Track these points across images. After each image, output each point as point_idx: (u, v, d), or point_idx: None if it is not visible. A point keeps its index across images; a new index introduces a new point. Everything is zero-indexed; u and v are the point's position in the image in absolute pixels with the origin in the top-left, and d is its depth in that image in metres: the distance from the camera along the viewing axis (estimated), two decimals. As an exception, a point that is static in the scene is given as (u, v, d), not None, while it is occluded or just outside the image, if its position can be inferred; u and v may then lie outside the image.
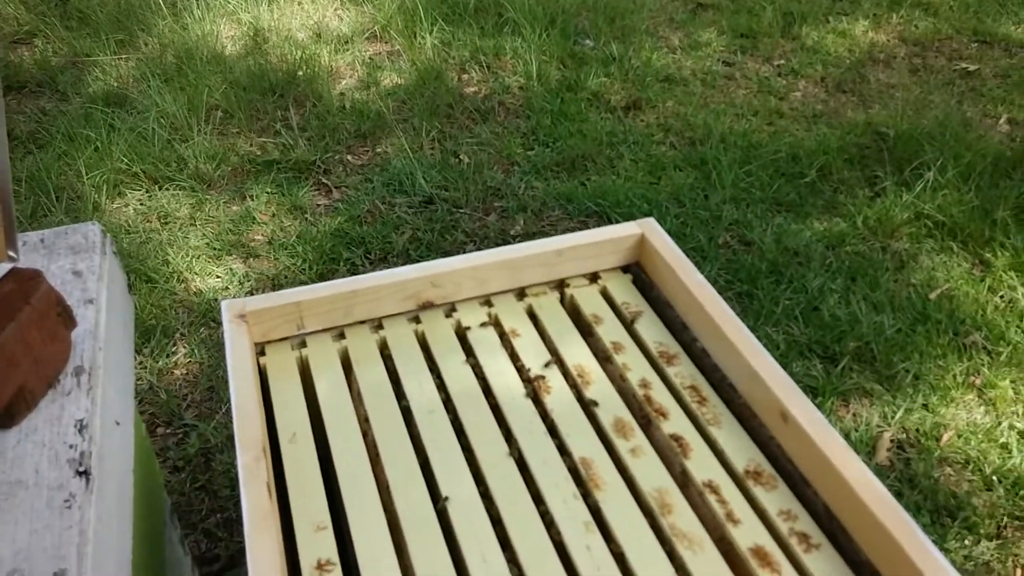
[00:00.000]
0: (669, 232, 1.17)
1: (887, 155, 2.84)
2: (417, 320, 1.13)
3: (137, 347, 2.14)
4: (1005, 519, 1.79)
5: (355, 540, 0.86)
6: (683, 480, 0.93)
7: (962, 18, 3.73)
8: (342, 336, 1.10)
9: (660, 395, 1.02)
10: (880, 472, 1.87)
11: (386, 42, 3.60)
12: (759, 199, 2.66)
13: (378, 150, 2.93)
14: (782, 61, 3.46)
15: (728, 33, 3.63)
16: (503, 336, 1.11)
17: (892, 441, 1.94)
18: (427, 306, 1.13)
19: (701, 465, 0.94)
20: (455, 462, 0.94)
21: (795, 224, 2.56)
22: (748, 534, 0.87)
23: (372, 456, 0.95)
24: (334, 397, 1.02)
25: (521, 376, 1.05)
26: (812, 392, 2.00)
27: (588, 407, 1.01)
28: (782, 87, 3.29)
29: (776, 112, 3.13)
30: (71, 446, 0.75)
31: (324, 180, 2.79)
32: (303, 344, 1.09)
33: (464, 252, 1.15)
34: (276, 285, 2.35)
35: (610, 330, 1.11)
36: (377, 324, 1.12)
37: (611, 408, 1.01)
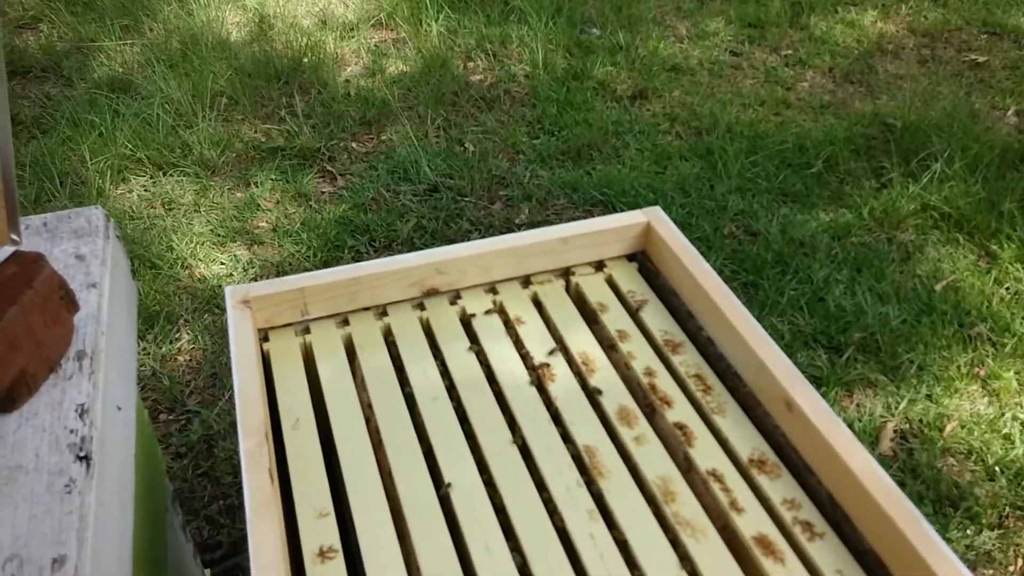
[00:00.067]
0: (674, 222, 1.17)
1: (894, 146, 2.83)
2: (422, 307, 1.12)
3: (141, 333, 2.14)
4: (1007, 509, 1.79)
5: (357, 527, 0.85)
6: (687, 468, 0.93)
7: (972, 9, 3.71)
8: (346, 323, 1.10)
9: (665, 383, 1.02)
10: (883, 462, 1.86)
11: (392, 29, 3.59)
12: (765, 189, 2.65)
13: (383, 138, 2.92)
14: (790, 51, 3.44)
15: (736, 23, 3.61)
16: (508, 324, 1.10)
17: (895, 431, 1.94)
18: (432, 293, 1.12)
19: (705, 453, 0.93)
20: (458, 449, 0.94)
21: (801, 215, 2.55)
22: (752, 522, 0.86)
23: (375, 443, 0.95)
24: (337, 383, 1.02)
25: (525, 364, 1.05)
26: (816, 382, 2.00)
27: (592, 395, 1.01)
28: (789, 77, 3.27)
29: (783, 102, 3.11)
30: (72, 431, 0.75)
31: (329, 167, 2.78)
32: (307, 330, 1.08)
33: (469, 241, 1.14)
34: (280, 272, 2.35)
35: (615, 318, 1.11)
36: (381, 311, 1.11)
37: (615, 396, 1.01)
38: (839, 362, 2.07)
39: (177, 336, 2.16)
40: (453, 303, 1.13)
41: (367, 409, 0.99)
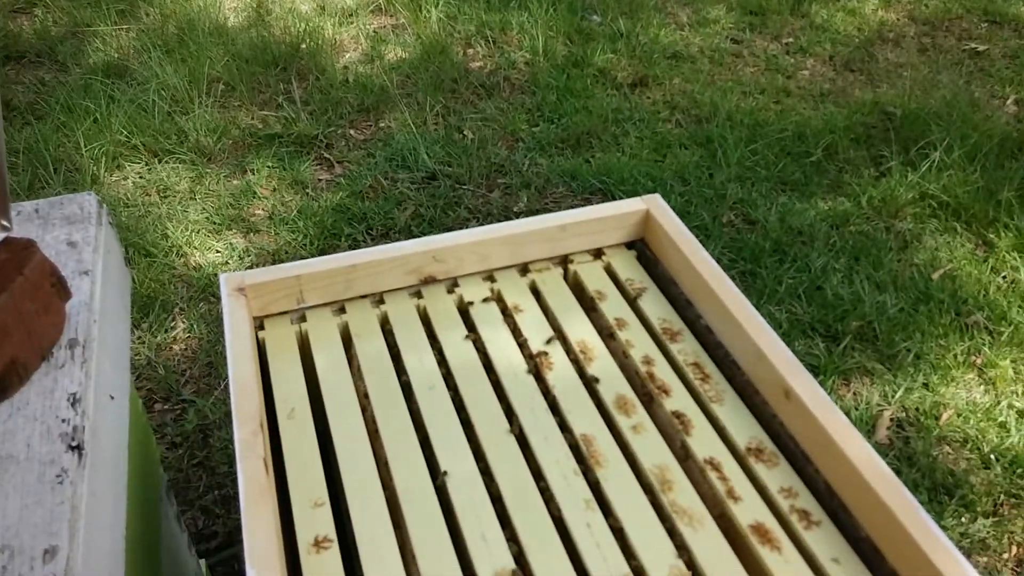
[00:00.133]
0: (673, 210, 1.16)
1: (893, 135, 2.82)
2: (419, 295, 1.11)
3: (135, 322, 2.13)
4: (1002, 497, 1.79)
5: (353, 516, 0.85)
6: (684, 457, 0.93)
7: (972, -3, 3.69)
8: (342, 310, 1.09)
9: (663, 372, 1.01)
10: (879, 450, 1.85)
11: (391, 15, 3.56)
12: (764, 178, 2.64)
13: (381, 125, 2.91)
14: (790, 39, 3.42)
15: (737, 10, 3.59)
16: (505, 312, 1.10)
17: (892, 420, 1.94)
18: (429, 281, 1.11)
19: (703, 442, 0.93)
20: (455, 438, 0.93)
21: (800, 203, 2.54)
22: (749, 511, 0.86)
23: (371, 432, 0.94)
24: (333, 372, 1.01)
25: (523, 352, 1.04)
26: (814, 370, 1.99)
27: (590, 383, 1.00)
28: (790, 65, 3.25)
29: (783, 90, 3.10)
30: (64, 420, 0.74)
31: (326, 155, 2.77)
32: (303, 318, 1.08)
33: (467, 228, 1.14)
34: (276, 260, 2.34)
35: (613, 306, 1.10)
36: (378, 299, 1.11)
37: (613, 385, 1.00)
38: (836, 351, 2.06)
39: (172, 325, 2.15)
40: (451, 291, 1.12)
41: (363, 398, 0.99)
